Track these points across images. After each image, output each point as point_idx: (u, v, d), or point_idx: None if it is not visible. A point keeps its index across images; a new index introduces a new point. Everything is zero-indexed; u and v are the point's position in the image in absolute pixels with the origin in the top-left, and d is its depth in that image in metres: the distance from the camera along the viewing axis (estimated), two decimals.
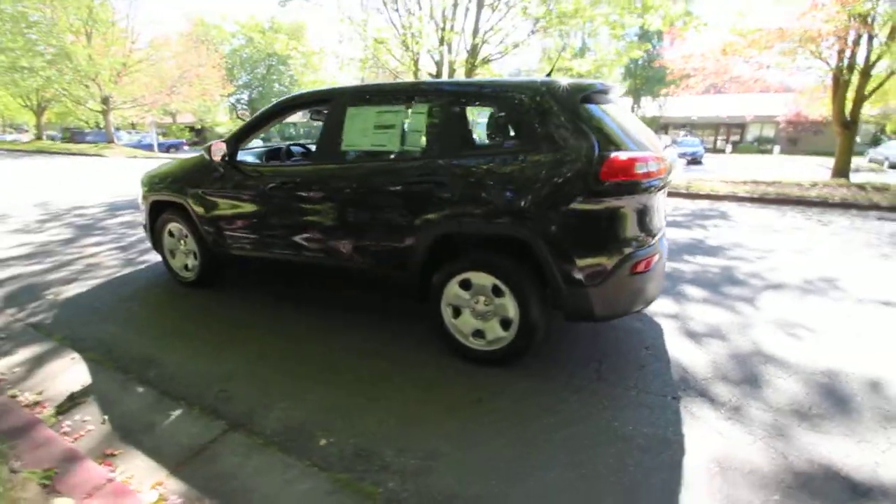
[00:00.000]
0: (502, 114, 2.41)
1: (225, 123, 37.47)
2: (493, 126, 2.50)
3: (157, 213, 3.72)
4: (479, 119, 2.54)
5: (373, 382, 2.45)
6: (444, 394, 2.35)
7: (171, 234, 3.68)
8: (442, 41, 11.10)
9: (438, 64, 11.49)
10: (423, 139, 2.55)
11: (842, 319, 3.24)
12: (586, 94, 2.30)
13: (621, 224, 2.22)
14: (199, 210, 3.34)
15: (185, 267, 3.68)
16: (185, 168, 3.49)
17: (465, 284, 2.51)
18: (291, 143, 4.16)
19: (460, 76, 11.88)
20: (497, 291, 2.43)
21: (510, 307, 2.41)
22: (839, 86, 9.86)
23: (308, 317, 3.23)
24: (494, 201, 2.31)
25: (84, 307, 3.41)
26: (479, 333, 2.55)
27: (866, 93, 9.70)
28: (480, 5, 10.94)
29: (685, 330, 3.05)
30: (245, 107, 36.84)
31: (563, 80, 2.34)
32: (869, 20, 8.19)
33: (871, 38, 8.97)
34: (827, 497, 1.70)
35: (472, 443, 1.99)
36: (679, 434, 2.05)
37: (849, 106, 10.06)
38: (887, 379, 2.47)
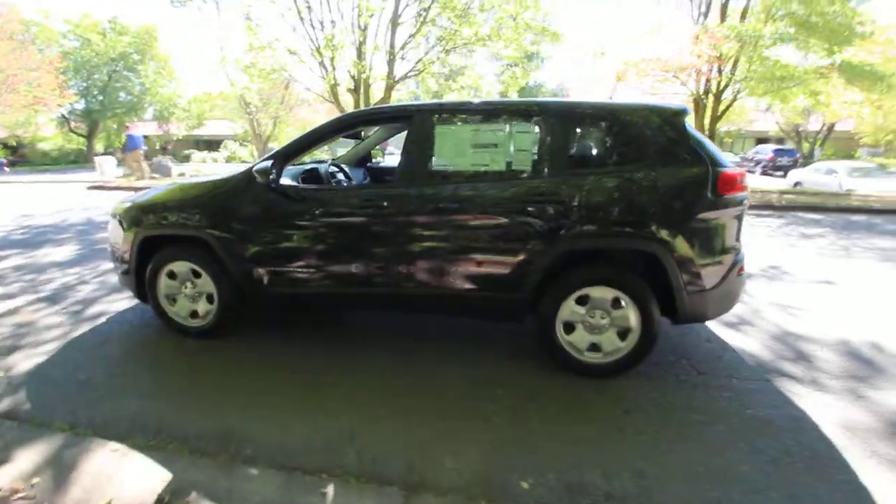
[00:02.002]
0: (617, 134, 2.52)
1: (51, 138, 31.06)
2: (607, 145, 2.58)
3: (148, 253, 3.02)
4: (585, 139, 2.59)
5: (515, 411, 2.33)
6: (588, 411, 2.34)
7: (171, 276, 3.01)
8: (360, 55, 10.86)
9: (356, 79, 11.20)
10: (531, 158, 2.54)
11: (812, 297, 4.01)
12: (684, 117, 2.53)
13: (731, 232, 2.49)
14: (233, 245, 2.81)
15: (194, 314, 3.04)
16: (201, 195, 2.90)
17: (582, 300, 2.55)
18: (312, 163, 3.66)
19: (378, 90, 11.75)
20: (616, 304, 2.52)
21: (631, 318, 2.51)
22: (699, 107, 12.23)
23: (380, 350, 2.93)
24: (621, 217, 2.41)
25: (61, 380, 2.60)
26: (593, 347, 2.60)
27: (718, 113, 12.21)
28: (395, 22, 10.97)
29: (716, 319, 3.48)
30: (80, 118, 30.99)
31: (661, 104, 2.54)
32: (720, 56, 10.35)
33: (720, 70, 11.31)
34: None
35: (661, 452, 2.04)
36: (799, 410, 2.35)
37: (707, 124, 12.52)
38: (880, 340, 3.14)
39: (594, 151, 2.58)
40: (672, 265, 2.42)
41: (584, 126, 2.58)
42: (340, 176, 3.62)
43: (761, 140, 30.18)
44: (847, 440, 2.12)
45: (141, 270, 3.05)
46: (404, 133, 2.76)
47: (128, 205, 3.14)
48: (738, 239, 2.57)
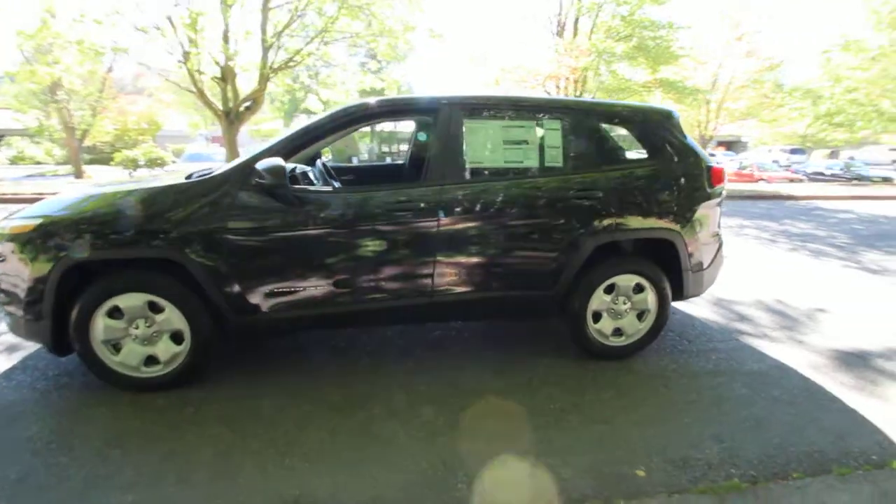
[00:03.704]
0: (635, 132, 2.69)
1: None
2: (630, 142, 2.73)
3: (71, 287, 2.23)
4: (609, 135, 2.69)
5: (579, 407, 2.33)
6: (636, 392, 2.49)
7: (114, 315, 2.27)
8: (226, 38, 9.55)
9: (224, 69, 9.82)
10: (563, 154, 2.56)
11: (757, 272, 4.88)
12: (677, 117, 2.84)
13: (718, 219, 2.88)
14: (223, 266, 2.23)
15: (150, 360, 2.34)
16: (168, 202, 2.23)
17: (609, 289, 2.68)
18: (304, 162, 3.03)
19: (252, 80, 10.55)
20: (637, 289, 2.72)
21: (650, 301, 2.74)
22: None
23: (403, 372, 2.64)
24: (648, 209, 2.60)
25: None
26: (616, 331, 2.77)
27: None
28: (266, 6, 9.91)
29: None
30: None
31: (658, 105, 2.81)
32: (584, 67, 11.91)
33: (578, 80, 12.96)
34: (851, 365, 2.80)
35: (719, 414, 2.27)
36: (774, 360, 2.86)
37: None
38: (778, 296, 4.00)
39: (618, 148, 2.73)
40: (683, 249, 2.71)
41: (609, 123, 2.72)
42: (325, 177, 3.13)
43: None
44: (820, 376, 2.66)
45: (60, 312, 2.23)
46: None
47: (28, 222, 2.26)
48: (719, 224, 2.99)
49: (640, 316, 2.77)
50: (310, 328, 2.63)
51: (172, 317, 2.28)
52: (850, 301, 3.97)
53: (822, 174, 22.43)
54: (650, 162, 2.67)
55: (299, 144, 2.35)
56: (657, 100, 13.92)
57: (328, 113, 2.41)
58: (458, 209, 2.39)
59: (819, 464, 1.97)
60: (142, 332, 2.29)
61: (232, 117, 10.52)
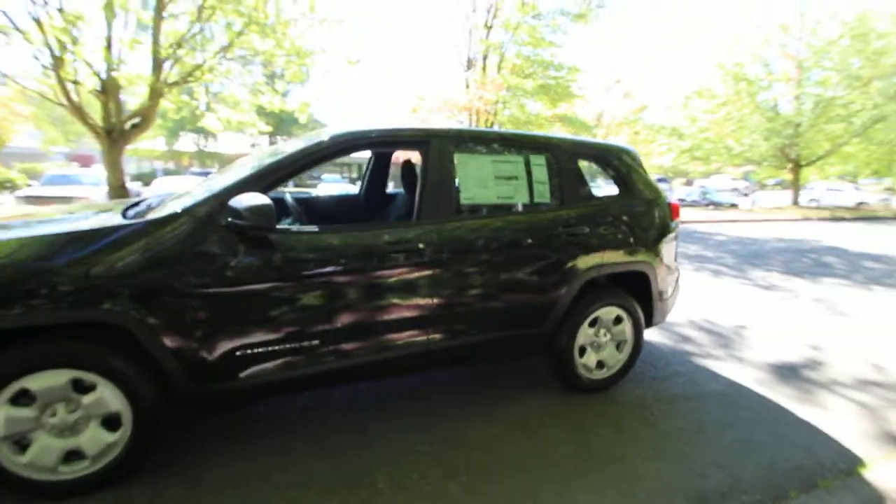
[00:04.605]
0: (609, 169, 2.77)
1: None
2: (608, 178, 2.79)
3: None
4: (585, 172, 2.72)
5: (602, 448, 2.28)
6: (628, 425, 2.51)
7: (20, 400, 1.70)
8: (109, 46, 8.35)
9: (105, 81, 8.54)
10: (549, 190, 2.55)
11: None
12: (638, 155, 3.02)
13: (676, 250, 3.09)
14: (176, 325, 1.79)
15: (72, 455, 1.80)
16: (100, 247, 1.74)
17: (592, 322, 2.71)
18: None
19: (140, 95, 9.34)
20: (616, 321, 2.79)
21: (627, 331, 2.82)
22: None
23: (414, 431, 2.36)
24: (628, 243, 2.69)
25: None
26: (599, 364, 2.80)
27: None
28: (160, 12, 8.89)
29: None
30: None
31: (622, 144, 2.97)
32: (497, 101, 12.59)
33: (491, 112, 13.64)
34: (786, 377, 3.16)
35: (707, 440, 2.37)
36: (727, 379, 3.11)
37: None
38: (707, 317, 4.43)
39: (596, 184, 2.80)
40: (654, 280, 2.85)
41: (587, 160, 2.78)
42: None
43: None
44: (769, 392, 2.94)
45: None
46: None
47: None
48: (676, 255, 3.22)
49: (619, 346, 2.84)
50: (291, 392, 2.24)
51: (106, 396, 1.77)
52: (760, 317, 4.52)
53: (683, 200, 26.22)
54: (625, 197, 2.79)
55: (280, 176, 2.02)
56: (557, 132, 15.20)
57: (315, 140, 2.12)
58: (457, 248, 2.24)
59: (805, 479, 2.12)
60: (61, 421, 1.74)
61: (115, 136, 9.14)
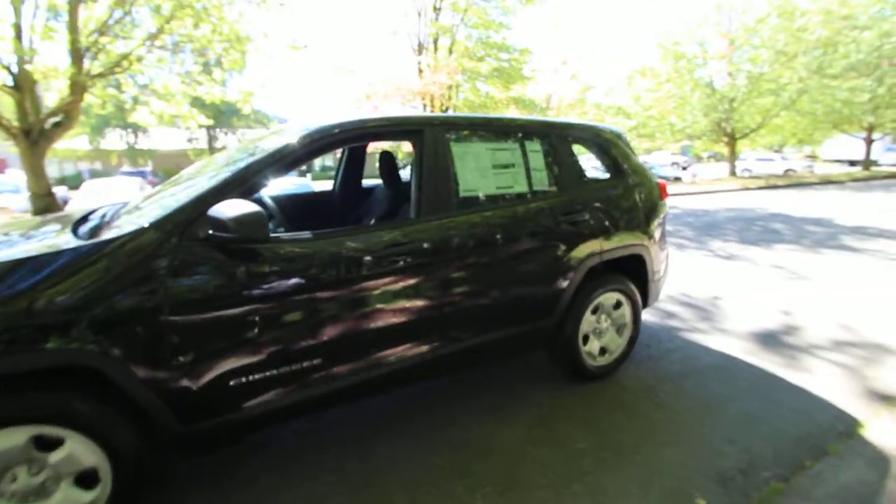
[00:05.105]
0: (606, 151, 2.69)
1: None
2: (602, 161, 2.70)
3: None
4: (579, 155, 2.62)
5: (619, 443, 2.24)
6: (638, 411, 2.50)
7: None
8: (18, 35, 7.40)
9: (18, 76, 7.58)
10: (547, 176, 2.44)
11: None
12: (626, 137, 2.97)
13: (665, 229, 3.09)
14: (159, 359, 1.54)
15: None
16: (53, 273, 1.45)
17: (594, 309, 2.66)
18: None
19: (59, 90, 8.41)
20: (616, 305, 2.75)
21: (627, 315, 2.80)
22: None
23: (431, 446, 2.21)
24: (625, 226, 2.64)
25: None
26: (602, 351, 2.76)
27: None
28: None
29: None
30: None
31: (610, 126, 2.90)
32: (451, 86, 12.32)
33: (447, 96, 13.39)
34: (770, 345, 3.29)
35: (717, 422, 2.40)
36: (719, 353, 3.18)
37: None
38: (684, 291, 4.54)
39: (591, 167, 2.72)
40: (650, 261, 2.83)
41: (582, 144, 2.68)
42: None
43: None
44: (758, 360, 3.03)
45: None
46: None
47: None
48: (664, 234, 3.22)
49: (619, 331, 2.81)
50: (295, 418, 2.02)
51: (77, 450, 1.50)
52: (729, 287, 4.69)
53: None
54: (617, 180, 2.74)
55: (263, 178, 1.78)
56: (512, 114, 15.24)
57: (301, 134, 1.87)
58: (463, 245, 2.09)
59: (814, 446, 2.18)
60: (24, 486, 1.46)
61: (35, 136, 8.18)
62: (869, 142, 23.77)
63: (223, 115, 29.56)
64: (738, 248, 6.55)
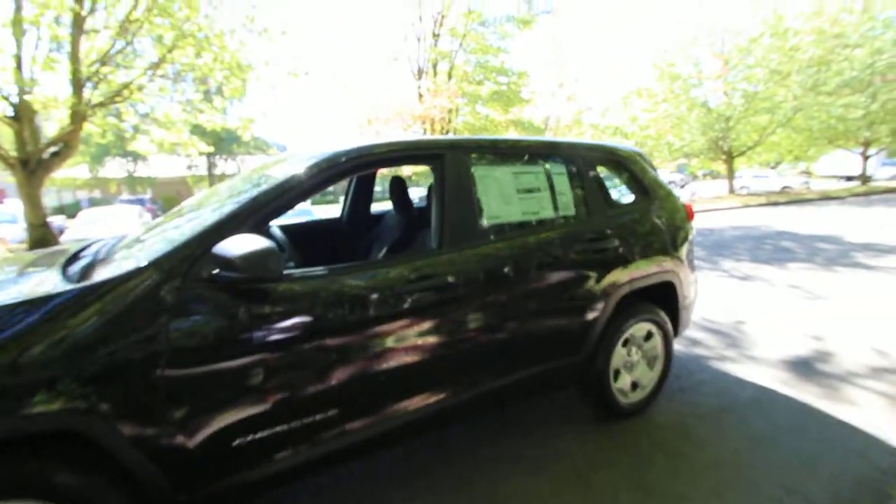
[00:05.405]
0: (631, 174, 2.56)
1: None
2: (627, 185, 2.57)
3: None
4: (605, 179, 2.49)
5: (675, 486, 2.03)
6: (671, 447, 2.30)
7: None
8: (19, 66, 7.38)
9: (18, 106, 7.53)
10: (573, 201, 2.30)
11: None
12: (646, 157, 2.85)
13: (693, 253, 2.94)
14: (155, 420, 1.36)
15: None
16: (36, 324, 1.27)
17: (624, 342, 2.48)
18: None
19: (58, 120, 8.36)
20: (647, 337, 2.58)
21: (658, 346, 2.62)
22: None
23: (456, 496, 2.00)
24: (656, 252, 2.48)
25: None
26: (633, 386, 2.57)
27: None
28: (79, 27, 7.99)
29: None
30: None
31: (632, 146, 2.78)
32: (451, 109, 12.41)
33: (447, 120, 13.44)
34: (806, 374, 3.10)
35: (761, 458, 2.19)
36: (751, 384, 2.99)
37: None
38: (707, 315, 4.37)
39: (616, 192, 2.58)
40: (680, 287, 2.67)
41: (606, 166, 2.55)
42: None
43: None
44: (797, 393, 2.84)
45: None
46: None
47: None
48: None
49: (650, 363, 2.63)
50: (309, 476, 1.80)
51: None
52: (750, 310, 4.52)
53: None
54: (645, 203, 2.60)
55: (274, 209, 1.62)
56: (512, 136, 15.29)
57: (316, 160, 1.73)
58: (490, 278, 1.93)
59: (874, 490, 1.99)
60: None
61: (32, 166, 8.08)
62: (865, 157, 23.94)
63: (223, 142, 29.80)
64: (752, 267, 6.39)
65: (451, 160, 1.99)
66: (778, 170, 32.89)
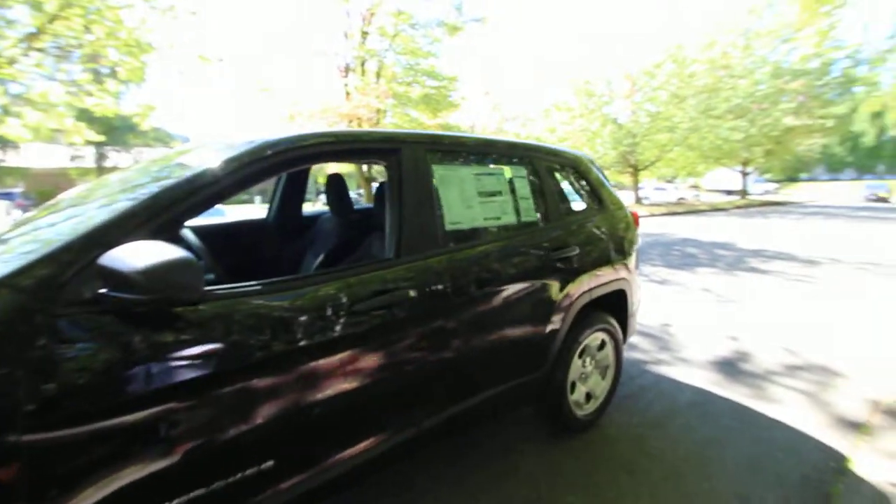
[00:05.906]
0: (584, 178, 2.47)
1: None
2: (580, 189, 2.46)
3: None
4: (560, 183, 2.35)
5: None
6: (637, 455, 2.25)
7: None
8: None
9: None
10: (534, 205, 2.15)
11: None
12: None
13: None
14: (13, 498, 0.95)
15: None
16: None
17: (580, 353, 2.40)
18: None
19: None
20: (601, 346, 2.52)
21: (610, 355, 2.58)
22: None
23: None
24: (611, 260, 2.42)
25: None
26: (587, 397, 2.50)
27: None
28: None
29: None
30: None
31: (580, 151, 2.73)
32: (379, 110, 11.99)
33: (379, 121, 12.99)
34: (732, 375, 3.28)
35: (718, 453, 2.21)
36: (690, 386, 3.08)
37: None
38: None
39: (571, 196, 2.48)
40: (630, 295, 2.65)
41: (564, 172, 2.44)
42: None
43: None
44: (728, 393, 2.97)
45: None
46: None
47: None
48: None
49: (602, 373, 2.58)
50: None
51: None
52: (672, 313, 4.77)
53: None
54: (598, 210, 2.54)
55: (188, 207, 1.25)
56: None
57: (246, 149, 1.38)
58: (453, 290, 1.70)
59: (815, 489, 2.07)
60: None
61: None
62: (744, 174, 27.43)
63: (116, 131, 26.48)
64: (667, 272, 6.85)
65: (409, 156, 1.74)
66: (674, 183, 36.63)
